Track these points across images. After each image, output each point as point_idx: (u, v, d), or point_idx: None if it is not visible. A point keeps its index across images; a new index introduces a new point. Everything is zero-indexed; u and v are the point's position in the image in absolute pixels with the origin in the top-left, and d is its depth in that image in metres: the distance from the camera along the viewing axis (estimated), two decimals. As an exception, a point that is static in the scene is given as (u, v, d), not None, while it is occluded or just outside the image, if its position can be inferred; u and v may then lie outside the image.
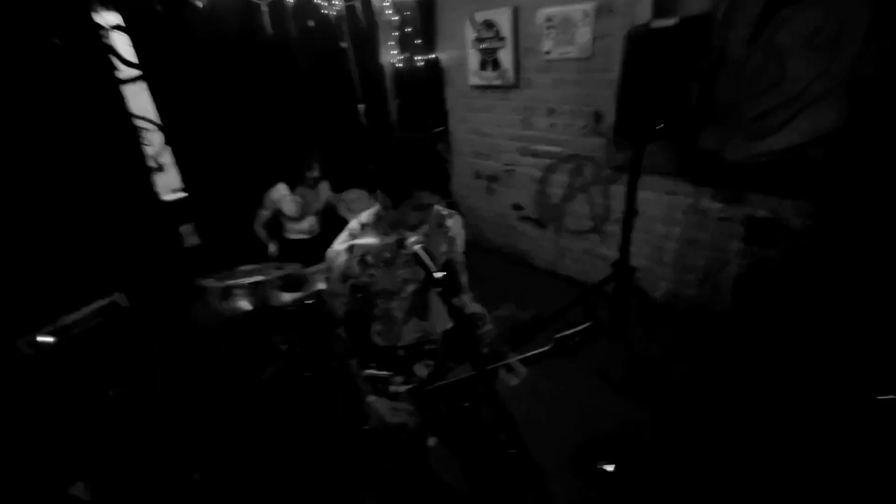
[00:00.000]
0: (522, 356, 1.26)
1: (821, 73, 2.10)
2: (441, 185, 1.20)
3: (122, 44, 2.83)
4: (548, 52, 3.12)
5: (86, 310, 2.34)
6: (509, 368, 1.32)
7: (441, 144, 4.28)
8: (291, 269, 2.57)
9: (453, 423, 1.58)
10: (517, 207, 3.99)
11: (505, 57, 3.39)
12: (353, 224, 1.36)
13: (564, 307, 3.11)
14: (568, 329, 1.13)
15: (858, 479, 1.90)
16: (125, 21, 2.67)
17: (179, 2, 2.74)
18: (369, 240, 1.32)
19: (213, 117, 3.08)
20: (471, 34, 3.54)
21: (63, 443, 2.14)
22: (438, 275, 1.11)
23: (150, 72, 2.81)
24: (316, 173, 3.01)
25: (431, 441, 1.83)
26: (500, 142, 3.85)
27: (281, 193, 3.02)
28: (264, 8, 3.04)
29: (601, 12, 2.75)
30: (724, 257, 2.75)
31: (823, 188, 2.23)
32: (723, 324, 2.88)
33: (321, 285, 2.47)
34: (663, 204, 2.93)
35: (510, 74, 3.42)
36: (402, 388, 1.48)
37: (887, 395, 2.00)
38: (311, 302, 2.50)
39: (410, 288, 1.42)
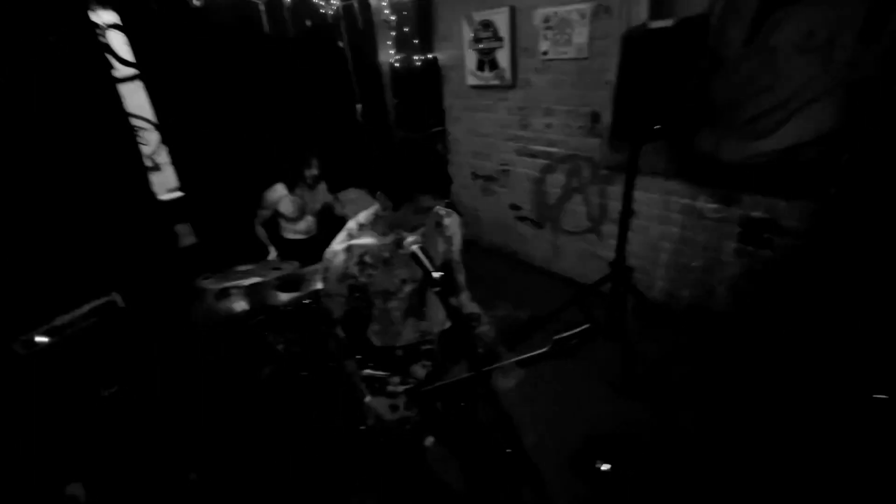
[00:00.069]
0: (519, 358, 1.27)
1: (815, 74, 2.12)
2: (443, 189, 1.20)
3: (118, 42, 2.82)
4: (545, 53, 3.13)
5: (81, 309, 2.33)
6: (504, 370, 1.32)
7: (438, 144, 4.28)
8: (289, 268, 2.57)
9: (451, 422, 1.59)
10: (514, 207, 4.00)
11: (502, 57, 3.40)
12: (351, 224, 1.36)
13: (561, 307, 3.12)
14: (565, 329, 1.13)
15: (854, 477, 1.91)
16: (122, 19, 2.67)
17: (176, 0, 2.74)
18: (367, 240, 1.32)
19: (210, 117, 3.07)
20: (468, 34, 3.54)
21: (59, 443, 2.13)
22: (436, 274, 1.11)
23: (146, 70, 2.80)
24: (315, 172, 3.01)
25: (429, 441, 1.84)
26: (497, 142, 3.86)
27: (279, 193, 3.01)
28: (262, 7, 3.04)
29: (598, 13, 2.76)
30: (719, 257, 2.77)
31: (818, 189, 2.25)
32: (720, 324, 2.90)
33: (319, 285, 2.47)
34: (660, 204, 2.94)
35: (508, 74, 3.43)
36: (400, 389, 1.48)
37: (883, 394, 2.02)
38: (308, 302, 2.50)
39: (408, 288, 1.42)
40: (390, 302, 1.43)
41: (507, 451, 1.20)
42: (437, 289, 1.12)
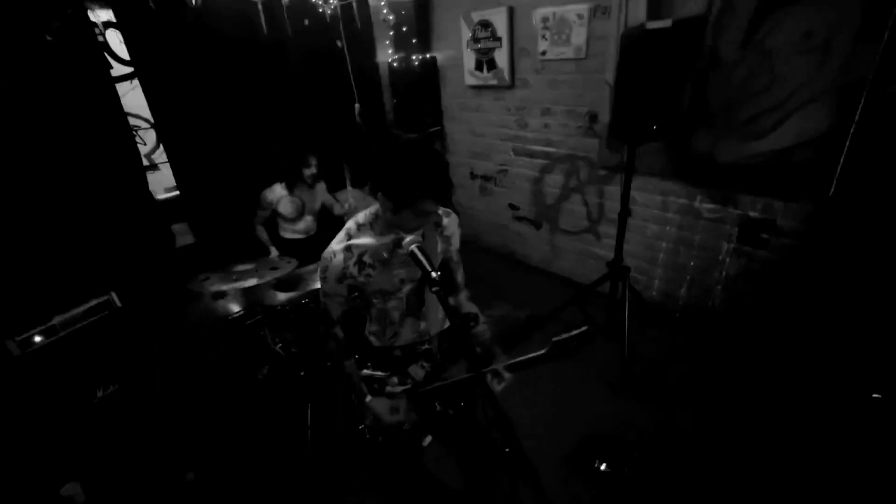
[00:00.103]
0: (518, 360, 1.27)
1: (813, 75, 2.13)
2: (445, 195, 1.19)
3: (115, 41, 2.81)
4: (543, 53, 3.13)
5: (78, 309, 2.32)
6: (495, 373, 1.32)
7: (436, 144, 4.28)
8: (287, 268, 2.56)
9: (450, 423, 1.59)
10: (512, 207, 4.01)
11: (500, 57, 3.40)
12: (350, 224, 1.35)
13: (559, 307, 3.13)
14: (563, 330, 1.14)
15: (853, 476, 1.92)
16: (119, 18, 2.66)
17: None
18: (366, 240, 1.32)
19: (208, 116, 3.06)
20: (467, 34, 3.55)
21: (56, 443, 2.12)
22: (435, 274, 1.11)
23: (144, 70, 2.79)
24: (313, 171, 3.00)
25: (427, 440, 1.84)
26: (495, 142, 3.86)
27: (278, 193, 3.01)
28: (260, 6, 3.03)
29: (596, 13, 2.77)
30: (717, 257, 2.78)
31: (816, 190, 2.26)
32: (717, 323, 2.91)
33: (317, 285, 2.46)
34: (657, 204, 2.95)
35: (506, 74, 3.43)
36: (399, 389, 1.48)
37: (882, 393, 2.03)
38: (306, 301, 2.50)
39: (407, 288, 1.42)
40: (389, 302, 1.43)
41: (506, 450, 1.20)
42: (436, 288, 1.12)
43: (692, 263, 2.92)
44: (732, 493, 1.98)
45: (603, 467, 2.11)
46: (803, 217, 2.36)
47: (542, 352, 1.16)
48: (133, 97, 2.90)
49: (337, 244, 1.32)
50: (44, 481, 2.05)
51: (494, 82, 3.55)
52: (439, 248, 1.47)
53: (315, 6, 3.32)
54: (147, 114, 3.00)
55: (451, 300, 1.16)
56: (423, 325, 1.52)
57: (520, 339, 3.06)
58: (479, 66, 3.60)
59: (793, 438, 2.15)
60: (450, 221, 1.49)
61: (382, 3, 3.64)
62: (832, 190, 2.20)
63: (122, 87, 2.74)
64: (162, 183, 3.30)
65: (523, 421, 2.37)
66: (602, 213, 3.33)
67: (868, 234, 2.18)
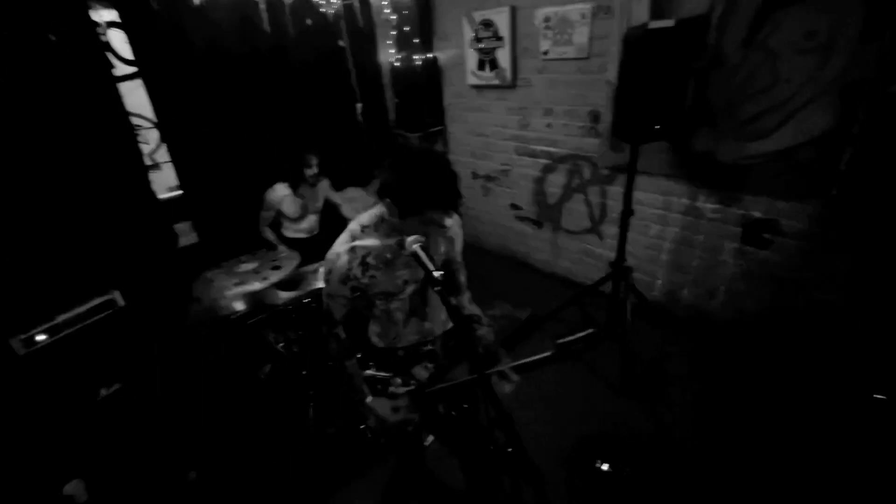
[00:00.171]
0: (523, 361, 1.27)
1: (815, 75, 2.12)
2: (453, 206, 1.19)
3: (118, 41, 2.82)
4: (545, 53, 3.13)
5: (81, 308, 2.32)
6: (502, 375, 1.32)
7: (438, 144, 4.29)
8: (289, 266, 2.56)
9: (453, 423, 1.59)
10: (514, 207, 4.00)
11: (503, 57, 3.40)
12: (354, 226, 1.35)
13: (560, 306, 3.12)
14: (567, 330, 1.14)
15: (854, 476, 1.92)
16: (122, 18, 2.66)
17: (177, -1, 2.74)
18: (370, 241, 1.32)
19: (211, 115, 3.07)
20: (469, 34, 3.54)
21: (58, 441, 2.13)
22: (437, 273, 1.11)
23: (146, 69, 2.79)
24: (315, 170, 3.00)
25: (428, 440, 1.84)
26: (497, 141, 3.86)
27: (281, 193, 3.01)
28: (262, 6, 3.04)
29: (599, 13, 2.76)
30: (719, 258, 2.77)
31: (819, 190, 2.25)
32: (720, 324, 2.90)
33: (319, 284, 2.47)
34: (660, 204, 2.94)
35: (508, 74, 3.43)
36: (402, 390, 1.48)
37: (883, 394, 2.02)
38: (308, 301, 2.50)
39: (410, 289, 1.42)
40: (392, 303, 1.43)
41: (509, 450, 1.20)
42: (438, 288, 1.12)
43: (695, 263, 2.92)
44: (733, 493, 1.98)
45: (605, 467, 2.11)
46: (807, 217, 2.36)
47: (549, 353, 1.16)
48: (135, 97, 2.90)
49: (341, 246, 1.32)
50: (46, 480, 2.06)
51: (497, 82, 3.55)
52: (442, 248, 1.47)
53: (317, 6, 3.33)
54: (148, 113, 3.00)
55: (454, 301, 1.16)
56: (426, 325, 1.53)
57: (520, 339, 3.06)
58: (481, 66, 3.60)
59: (794, 438, 2.15)
60: (453, 222, 1.48)
61: (384, 3, 3.65)
62: (836, 190, 2.20)
63: (124, 87, 2.74)
64: (165, 182, 3.30)
65: (525, 421, 2.37)
66: (604, 213, 3.33)
67: (871, 234, 2.17)
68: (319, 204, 3.21)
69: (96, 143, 2.58)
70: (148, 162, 2.93)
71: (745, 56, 2.30)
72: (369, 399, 1.43)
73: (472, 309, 1.56)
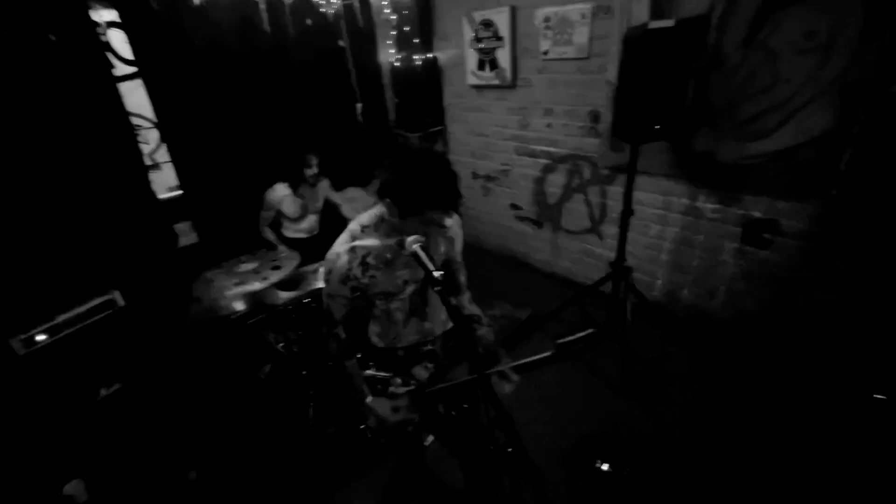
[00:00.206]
0: (523, 361, 1.27)
1: (815, 75, 2.12)
2: (453, 206, 1.19)
3: (118, 41, 2.82)
4: (545, 53, 3.13)
5: (81, 307, 2.32)
6: (502, 375, 1.32)
7: (438, 144, 4.29)
8: (288, 266, 2.56)
9: (453, 423, 1.59)
10: (514, 207, 4.00)
11: (503, 57, 3.40)
12: (354, 226, 1.35)
13: (560, 306, 3.12)
14: (567, 330, 1.14)
15: (855, 476, 1.92)
16: (122, 18, 2.66)
17: (177, -1, 2.74)
18: (370, 242, 1.32)
19: (211, 115, 3.07)
20: (469, 34, 3.54)
21: (58, 442, 2.13)
22: (437, 273, 1.11)
23: (146, 69, 2.79)
24: (315, 170, 3.01)
25: (428, 439, 1.84)
26: (497, 142, 3.86)
27: (281, 193, 3.01)
28: (262, 6, 3.04)
29: (599, 13, 2.76)
30: (720, 258, 2.77)
31: (819, 190, 2.25)
32: (720, 324, 2.90)
33: (319, 284, 2.47)
34: (659, 204, 2.94)
35: (508, 74, 3.43)
36: (402, 390, 1.48)
37: (883, 394, 2.02)
38: (308, 301, 2.50)
39: (410, 289, 1.42)
40: (392, 303, 1.43)
41: (509, 450, 1.20)
42: (439, 288, 1.12)
43: (695, 263, 2.92)
44: (733, 493, 1.98)
45: (605, 467, 2.11)
46: (806, 217, 2.36)
47: (549, 353, 1.16)
48: (135, 97, 2.90)
49: (341, 246, 1.32)
50: (46, 480, 2.06)
51: (496, 82, 3.55)
52: (442, 248, 1.47)
53: (317, 6, 3.33)
54: (148, 113, 3.00)
55: (454, 301, 1.16)
56: (426, 325, 1.53)
57: (520, 339, 3.06)
58: (481, 66, 3.60)
59: (794, 438, 2.15)
60: (453, 222, 1.48)
61: (384, 3, 3.65)
62: (836, 190, 2.20)
63: (124, 87, 2.74)
64: (165, 182, 3.30)
65: (525, 420, 2.37)
66: (604, 213, 3.33)
67: (871, 234, 2.17)
68: (319, 204, 3.21)
69: (96, 143, 2.58)
70: (148, 162, 2.93)
71: (745, 56, 2.30)
72: (369, 399, 1.43)
73: (472, 309, 1.56)
